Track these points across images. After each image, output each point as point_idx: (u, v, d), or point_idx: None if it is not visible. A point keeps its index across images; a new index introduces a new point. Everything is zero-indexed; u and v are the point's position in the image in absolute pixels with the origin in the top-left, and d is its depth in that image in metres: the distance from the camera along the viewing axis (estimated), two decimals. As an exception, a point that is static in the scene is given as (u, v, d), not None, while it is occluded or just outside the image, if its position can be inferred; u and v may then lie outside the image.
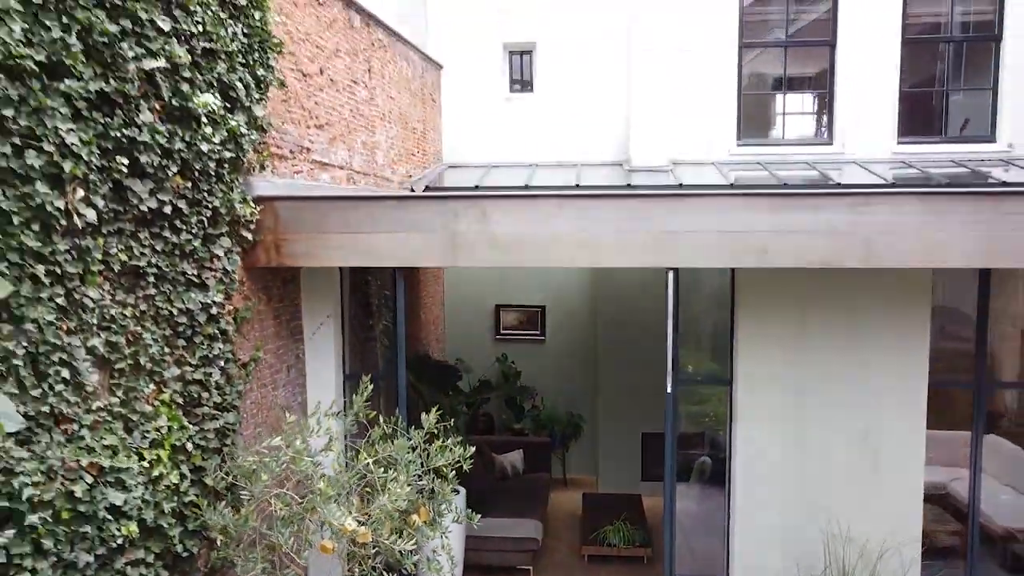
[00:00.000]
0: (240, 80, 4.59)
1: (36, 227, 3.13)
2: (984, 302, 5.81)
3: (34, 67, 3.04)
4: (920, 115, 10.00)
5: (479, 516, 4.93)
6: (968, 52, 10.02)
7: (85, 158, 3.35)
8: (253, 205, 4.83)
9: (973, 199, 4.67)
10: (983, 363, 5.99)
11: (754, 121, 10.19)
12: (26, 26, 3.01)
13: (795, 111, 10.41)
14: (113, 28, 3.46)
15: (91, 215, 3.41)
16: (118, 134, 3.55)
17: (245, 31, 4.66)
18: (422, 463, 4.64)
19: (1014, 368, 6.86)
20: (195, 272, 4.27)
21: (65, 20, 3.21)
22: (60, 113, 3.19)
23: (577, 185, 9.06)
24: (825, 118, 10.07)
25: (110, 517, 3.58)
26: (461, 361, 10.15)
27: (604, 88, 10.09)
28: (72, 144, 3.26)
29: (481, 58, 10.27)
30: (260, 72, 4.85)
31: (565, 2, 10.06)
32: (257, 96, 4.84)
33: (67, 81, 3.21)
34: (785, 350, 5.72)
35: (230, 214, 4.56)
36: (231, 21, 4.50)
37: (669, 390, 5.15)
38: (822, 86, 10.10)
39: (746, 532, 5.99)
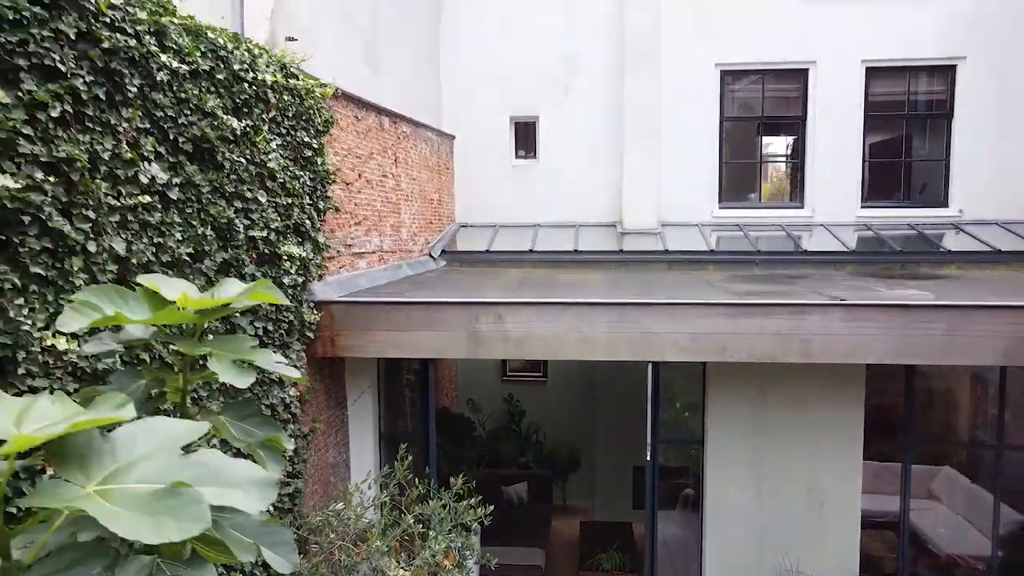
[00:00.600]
0: (308, 217, 5.80)
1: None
2: (910, 383, 7.00)
3: (186, 258, 4.25)
4: (882, 182, 11.22)
5: (495, 559, 6.12)
6: (924, 126, 11.23)
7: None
8: (315, 312, 6.03)
9: (886, 310, 5.87)
10: (912, 426, 7.19)
11: (734, 187, 11.40)
12: (181, 229, 4.22)
13: (770, 178, 11.62)
14: (231, 213, 4.67)
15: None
16: (231, 285, 4.76)
17: (311, 176, 5.86)
18: (452, 519, 5.85)
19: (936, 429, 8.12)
20: (277, 376, 5.47)
21: (203, 217, 4.41)
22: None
23: (576, 250, 10.28)
24: (797, 185, 11.29)
25: (223, 570, 4.78)
26: (472, 402, 11.35)
27: (599, 155, 11.28)
28: (205, 303, 4.46)
29: (490, 129, 11.46)
30: (321, 204, 6.06)
31: (564, 83, 11.26)
32: (319, 224, 6.05)
33: (205, 262, 4.42)
34: (745, 419, 6.92)
35: (300, 323, 5.77)
36: (301, 172, 5.70)
37: (648, 458, 6.37)
38: (795, 156, 11.32)
39: (715, 565, 7.19)
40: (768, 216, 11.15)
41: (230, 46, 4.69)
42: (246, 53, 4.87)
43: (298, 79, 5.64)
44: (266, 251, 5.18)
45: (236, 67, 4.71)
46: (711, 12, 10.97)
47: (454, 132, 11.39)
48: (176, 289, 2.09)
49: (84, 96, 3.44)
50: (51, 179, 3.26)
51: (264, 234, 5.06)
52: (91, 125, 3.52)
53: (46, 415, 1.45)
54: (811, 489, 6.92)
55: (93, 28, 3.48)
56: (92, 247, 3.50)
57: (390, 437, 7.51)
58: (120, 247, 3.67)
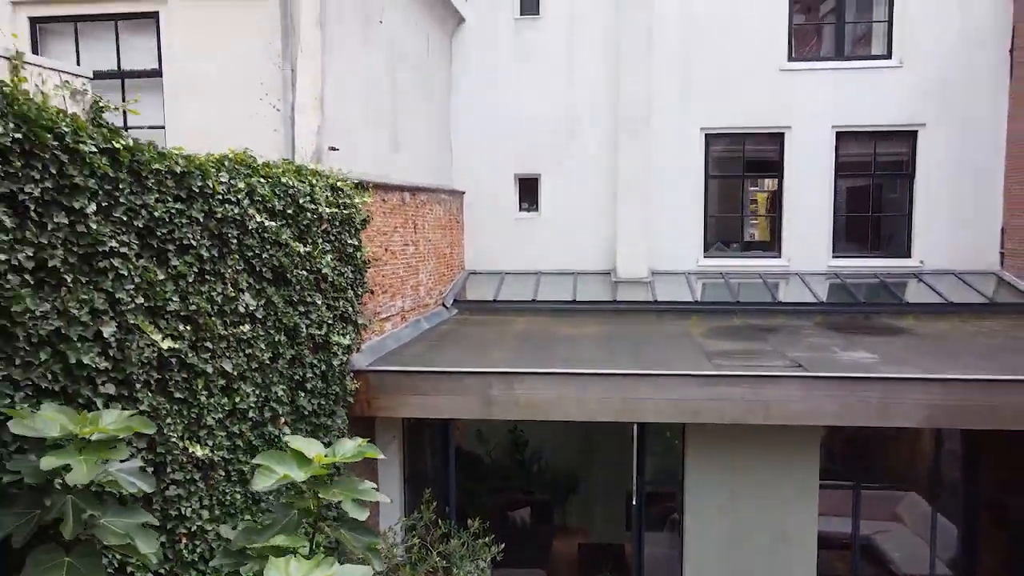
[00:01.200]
0: (351, 304, 6.96)
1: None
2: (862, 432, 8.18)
3: (267, 362, 5.42)
4: (851, 234, 12.39)
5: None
6: (889, 183, 12.40)
7: (286, 400, 5.72)
8: (355, 381, 7.19)
9: (832, 381, 7.03)
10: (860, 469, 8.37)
11: (717, 238, 12.57)
12: (264, 339, 5.38)
13: (750, 230, 12.78)
14: (296, 317, 5.84)
15: (286, 429, 5.79)
16: (296, 374, 5.93)
17: (352, 269, 7.03)
18: (471, 556, 7.02)
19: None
20: (326, 440, 6.63)
21: (277, 326, 5.58)
22: (277, 381, 5.55)
23: (574, 300, 11.46)
24: (775, 236, 12.45)
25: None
26: (480, 433, 12.52)
27: (595, 208, 12.43)
28: (279, 394, 5.63)
29: (497, 185, 12.61)
30: (359, 291, 7.23)
31: (564, 144, 12.42)
32: (358, 307, 7.21)
33: (280, 361, 5.59)
34: (720, 466, 8.08)
35: (344, 392, 6.93)
36: (345, 267, 6.87)
37: (634, 502, 7.54)
38: (773, 210, 12.50)
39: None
40: (748, 265, 12.32)
41: (295, 183, 5.85)
42: (307, 185, 6.04)
43: (343, 191, 6.80)
44: (320, 342, 6.35)
45: (300, 200, 5.88)
46: (697, 81, 12.13)
47: (464, 188, 12.56)
48: (311, 449, 3.26)
49: (204, 257, 4.61)
50: (187, 328, 4.43)
51: (321, 331, 6.24)
52: (209, 278, 4.69)
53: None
54: (776, 526, 8.08)
55: (211, 206, 4.65)
56: (209, 368, 4.67)
57: (413, 480, 8.68)
58: (228, 366, 4.83)
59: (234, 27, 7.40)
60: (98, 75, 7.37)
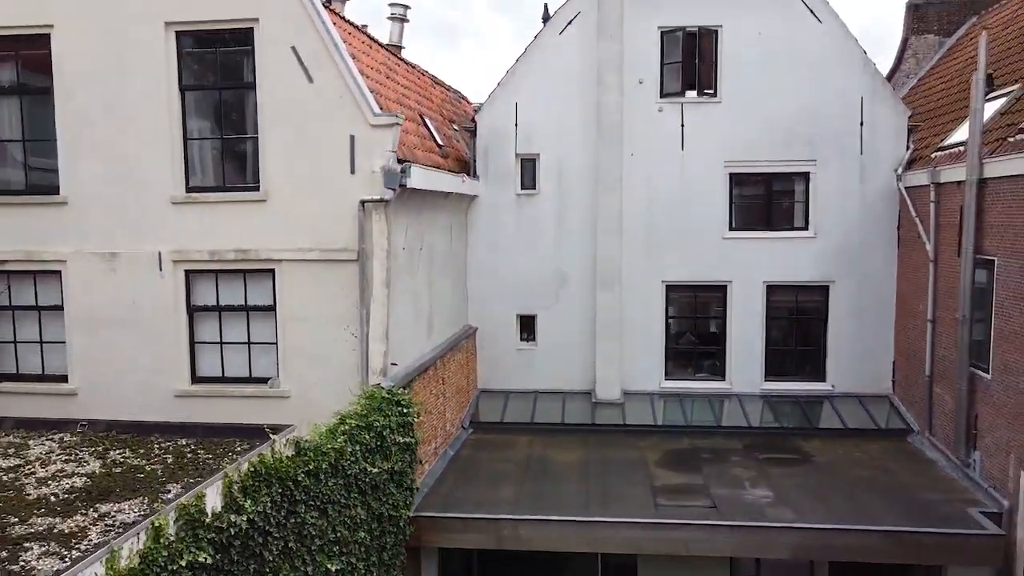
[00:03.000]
0: (407, 476, 10.38)
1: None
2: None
3: (360, 539, 8.84)
4: (778, 362, 15.79)
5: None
6: (808, 322, 15.82)
7: (374, 551, 9.15)
8: (410, 526, 10.59)
9: (734, 528, 10.46)
10: None
11: (675, 365, 15.99)
12: (366, 530, 8.81)
13: (701, 359, 16.19)
14: (381, 508, 9.27)
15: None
16: (377, 539, 9.35)
17: (409, 453, 10.44)
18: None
19: None
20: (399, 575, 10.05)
21: (371, 516, 9.00)
22: (366, 549, 8.97)
23: (563, 423, 14.90)
24: (720, 364, 15.88)
25: None
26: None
27: (579, 341, 15.83)
28: (369, 554, 9.05)
29: (502, 321, 16.03)
30: (414, 465, 10.64)
31: (555, 292, 15.85)
32: (411, 476, 10.62)
33: (360, 532, 9.02)
34: None
35: (404, 536, 10.34)
36: (405, 454, 10.28)
37: (601, 606, 10.98)
38: (718, 343, 15.92)
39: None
40: (700, 387, 15.76)
41: (380, 419, 9.28)
42: (387, 418, 9.46)
43: (403, 404, 10.21)
44: (391, 515, 9.77)
45: (384, 433, 9.31)
46: (659, 244, 15.58)
47: (476, 324, 16.01)
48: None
49: (343, 503, 8.04)
50: (337, 548, 7.87)
51: (396, 511, 9.67)
52: (344, 512, 8.12)
53: None
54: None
55: (345, 470, 8.09)
56: (336, 567, 8.09)
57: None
58: (335, 565, 8.27)
59: (327, 281, 10.83)
60: (226, 307, 10.92)
